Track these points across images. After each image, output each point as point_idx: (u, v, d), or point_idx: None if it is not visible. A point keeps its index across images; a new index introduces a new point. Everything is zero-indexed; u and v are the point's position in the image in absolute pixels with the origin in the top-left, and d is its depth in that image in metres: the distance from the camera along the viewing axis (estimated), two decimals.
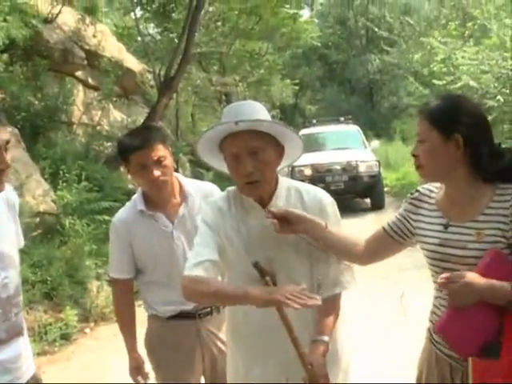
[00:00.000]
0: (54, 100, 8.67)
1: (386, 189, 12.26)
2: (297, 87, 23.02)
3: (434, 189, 1.87)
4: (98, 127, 10.18)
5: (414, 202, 1.87)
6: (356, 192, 11.28)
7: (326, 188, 11.89)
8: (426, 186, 1.90)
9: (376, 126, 29.54)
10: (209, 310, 2.41)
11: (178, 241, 2.40)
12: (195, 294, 1.80)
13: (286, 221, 1.83)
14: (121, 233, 2.43)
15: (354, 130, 12.95)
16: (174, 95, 11.29)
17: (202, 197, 2.44)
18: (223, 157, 1.88)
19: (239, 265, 1.86)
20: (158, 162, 2.30)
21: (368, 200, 11.47)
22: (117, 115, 11.17)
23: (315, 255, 1.89)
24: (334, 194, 12.09)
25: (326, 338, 1.78)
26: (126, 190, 7.84)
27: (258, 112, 1.83)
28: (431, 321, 1.88)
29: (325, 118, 16.56)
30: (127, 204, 2.51)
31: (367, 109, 31.21)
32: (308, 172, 11.00)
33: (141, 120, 10.88)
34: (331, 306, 1.89)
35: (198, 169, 14.70)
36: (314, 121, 14.22)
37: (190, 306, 2.38)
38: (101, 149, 9.55)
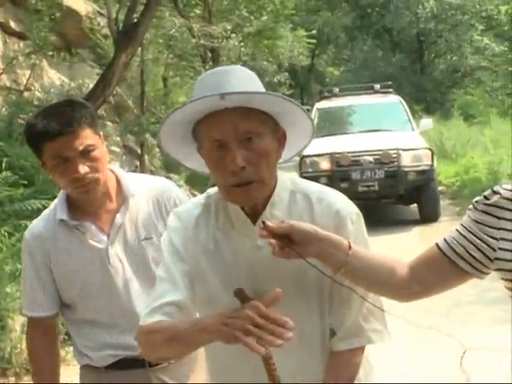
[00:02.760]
0: None
1: (439, 188, 12.22)
2: (314, 41, 23.00)
3: None
4: (27, 93, 10.16)
5: (491, 211, 1.79)
6: (397, 195, 11.19)
7: (353, 189, 11.50)
8: (507, 185, 1.82)
9: (427, 98, 29.62)
10: None
11: (115, 261, 2.42)
12: (150, 350, 1.85)
13: (288, 240, 1.77)
14: (35, 253, 2.45)
15: (395, 102, 12.93)
16: (139, 50, 11.25)
17: (152, 198, 2.46)
18: (197, 147, 1.84)
19: (218, 300, 1.86)
20: (85, 154, 2.32)
21: (415, 207, 11.38)
22: (54, 77, 11.14)
23: (327, 289, 1.87)
24: (365, 198, 12.05)
25: None
26: None
27: (248, 80, 1.80)
28: None
29: (352, 86, 16.51)
30: (45, 212, 2.53)
31: (415, 72, 31.25)
32: (325, 165, 10.89)
33: (90, 84, 10.86)
34: (344, 363, 1.86)
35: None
36: (336, 89, 14.12)
37: (136, 351, 2.38)
38: None
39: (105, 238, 2.43)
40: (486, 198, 1.80)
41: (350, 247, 1.80)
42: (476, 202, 1.82)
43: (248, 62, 17.20)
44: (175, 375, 2.50)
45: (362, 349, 1.89)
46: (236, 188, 1.75)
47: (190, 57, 16.68)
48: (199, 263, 1.87)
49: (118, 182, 2.48)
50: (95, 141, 2.34)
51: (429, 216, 10.86)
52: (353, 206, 1.91)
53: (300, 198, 1.88)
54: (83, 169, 2.29)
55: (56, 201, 2.49)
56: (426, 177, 10.83)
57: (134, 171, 12.11)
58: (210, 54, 16.83)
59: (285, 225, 1.77)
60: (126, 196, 2.45)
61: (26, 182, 7.42)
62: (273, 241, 1.74)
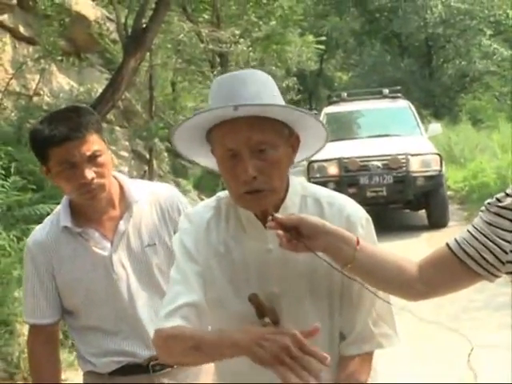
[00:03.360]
0: None
1: (447, 193, 12.15)
2: (322, 46, 23.00)
3: None
4: (36, 98, 10.18)
5: (504, 213, 1.77)
6: (405, 201, 11.11)
7: (361, 194, 11.38)
8: None
9: (435, 103, 29.57)
10: None
11: (119, 268, 2.42)
12: (169, 355, 1.84)
13: (297, 233, 1.78)
14: (38, 260, 2.45)
15: (403, 107, 12.87)
16: (147, 55, 11.27)
17: (155, 204, 2.47)
18: (211, 149, 1.85)
19: (228, 303, 1.87)
20: (92, 159, 2.31)
21: (423, 213, 11.29)
22: (63, 81, 11.17)
23: (337, 292, 1.87)
24: (373, 203, 11.92)
25: None
26: None
27: (264, 88, 1.80)
28: None
29: (361, 90, 16.48)
30: (47, 219, 2.53)
31: (423, 77, 31.20)
32: (333, 170, 10.81)
33: (98, 89, 10.89)
34: (355, 369, 1.86)
35: (181, 160, 14.70)
36: (345, 94, 14.03)
37: (139, 358, 2.43)
38: None
39: (108, 245, 2.42)
40: (498, 200, 1.79)
41: (358, 243, 1.80)
42: (488, 203, 1.81)
43: (256, 66, 17.22)
44: (180, 378, 2.50)
45: (371, 354, 1.90)
46: (247, 195, 1.77)
47: (198, 62, 16.69)
48: (210, 266, 1.88)
49: (121, 188, 2.48)
50: (101, 146, 2.34)
51: (437, 222, 10.77)
52: (362, 210, 1.93)
53: (311, 202, 1.90)
54: (90, 174, 2.30)
55: (59, 207, 2.49)
56: (434, 182, 10.74)
57: (143, 176, 12.13)
58: (218, 59, 16.85)
59: (294, 217, 1.78)
60: (130, 202, 2.44)
61: (34, 187, 7.45)
62: (280, 232, 1.75)
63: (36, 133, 2.35)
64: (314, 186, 1.99)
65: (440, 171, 10.83)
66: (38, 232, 2.49)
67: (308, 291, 1.85)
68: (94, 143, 2.31)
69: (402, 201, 11.10)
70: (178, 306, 1.81)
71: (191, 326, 1.78)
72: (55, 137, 2.27)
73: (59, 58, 10.58)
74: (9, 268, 6.20)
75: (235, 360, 1.82)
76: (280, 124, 1.78)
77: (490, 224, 1.78)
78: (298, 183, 1.92)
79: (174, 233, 2.36)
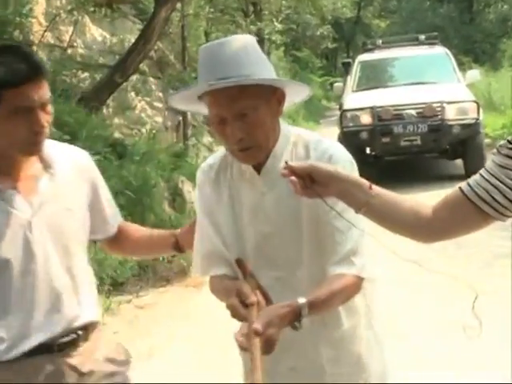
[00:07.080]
0: (0, 9, 8.63)
1: (486, 140, 11.82)
2: None
3: None
4: (70, 50, 10.26)
5: None
6: (441, 150, 10.96)
7: (395, 144, 11.19)
8: None
9: (475, 49, 29.06)
10: (75, 336, 2.21)
11: (38, 235, 2.15)
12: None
13: (310, 179, 1.84)
14: None
15: (440, 54, 12.66)
16: (179, 4, 11.30)
17: (73, 167, 2.27)
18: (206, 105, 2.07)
19: (231, 248, 2.13)
20: (44, 106, 2.11)
21: (460, 162, 11.11)
22: (96, 33, 11.24)
23: (322, 232, 2.03)
24: (407, 153, 11.85)
25: (302, 301, 1.84)
26: (110, 139, 7.91)
27: (245, 55, 1.99)
28: None
29: (397, 37, 16.26)
30: None
31: (463, 23, 30.64)
32: (366, 119, 10.53)
33: (131, 39, 10.96)
34: (330, 281, 1.97)
35: None
36: (380, 41, 13.89)
37: (50, 334, 2.15)
38: (73, 81, 9.66)
39: (28, 207, 2.15)
40: (509, 142, 1.80)
41: (370, 187, 1.85)
42: (500, 146, 1.82)
43: (290, 14, 17.09)
44: (89, 358, 2.24)
45: (350, 278, 1.98)
46: (239, 152, 2.03)
47: (231, 11, 16.62)
48: (217, 214, 2.15)
49: None
50: None
51: (474, 170, 10.14)
52: (348, 155, 2.09)
53: (300, 147, 2.10)
54: (43, 118, 2.13)
55: None
56: (471, 130, 10.62)
57: (177, 126, 12.26)
58: (252, 8, 16.77)
59: (306, 164, 1.86)
60: (50, 163, 2.21)
61: (69, 138, 7.57)
62: (294, 179, 1.82)
63: None
64: (308, 132, 2.17)
65: (477, 119, 10.68)
66: None
67: (298, 232, 2.05)
68: (47, 89, 2.12)
69: (437, 150, 10.97)
70: (208, 253, 2.15)
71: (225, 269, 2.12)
72: (15, 76, 2.01)
73: (92, 9, 10.65)
74: None
75: None
76: (260, 86, 1.99)
77: (501, 166, 1.80)
78: (291, 132, 2.13)
79: (93, 194, 2.33)
